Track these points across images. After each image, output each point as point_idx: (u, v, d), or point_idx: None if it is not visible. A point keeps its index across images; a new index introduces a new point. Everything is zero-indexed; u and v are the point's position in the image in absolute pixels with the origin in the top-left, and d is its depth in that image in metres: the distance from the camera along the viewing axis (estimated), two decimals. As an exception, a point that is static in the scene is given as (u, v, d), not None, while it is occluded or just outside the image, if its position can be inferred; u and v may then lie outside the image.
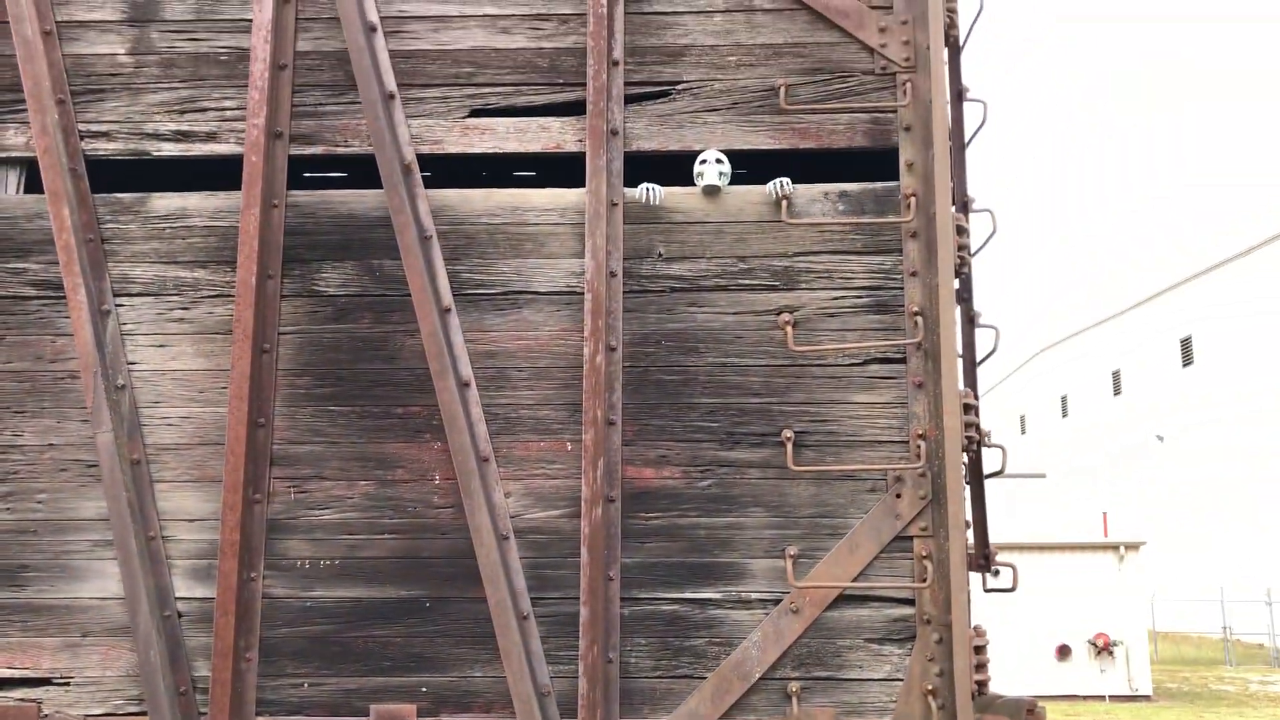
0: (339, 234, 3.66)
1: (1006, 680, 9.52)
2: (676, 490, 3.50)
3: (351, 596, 3.47)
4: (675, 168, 3.73)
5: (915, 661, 3.40)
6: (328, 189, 3.72)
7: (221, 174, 3.71)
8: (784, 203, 3.58)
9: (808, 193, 3.63)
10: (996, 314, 4.91)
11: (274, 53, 3.67)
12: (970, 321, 4.05)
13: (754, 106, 3.70)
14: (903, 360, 3.54)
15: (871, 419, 3.52)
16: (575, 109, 3.69)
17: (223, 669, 3.35)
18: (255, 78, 3.65)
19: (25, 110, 3.68)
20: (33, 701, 3.44)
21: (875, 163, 3.70)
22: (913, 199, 3.56)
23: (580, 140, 3.67)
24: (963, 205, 3.93)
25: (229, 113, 3.72)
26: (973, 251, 3.84)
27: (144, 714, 3.39)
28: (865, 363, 3.55)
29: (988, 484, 4.01)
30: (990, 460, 3.81)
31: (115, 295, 3.61)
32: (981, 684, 3.44)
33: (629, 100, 3.69)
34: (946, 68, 3.75)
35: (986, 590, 4.04)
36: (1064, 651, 13.62)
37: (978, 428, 3.57)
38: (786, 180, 3.60)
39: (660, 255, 3.62)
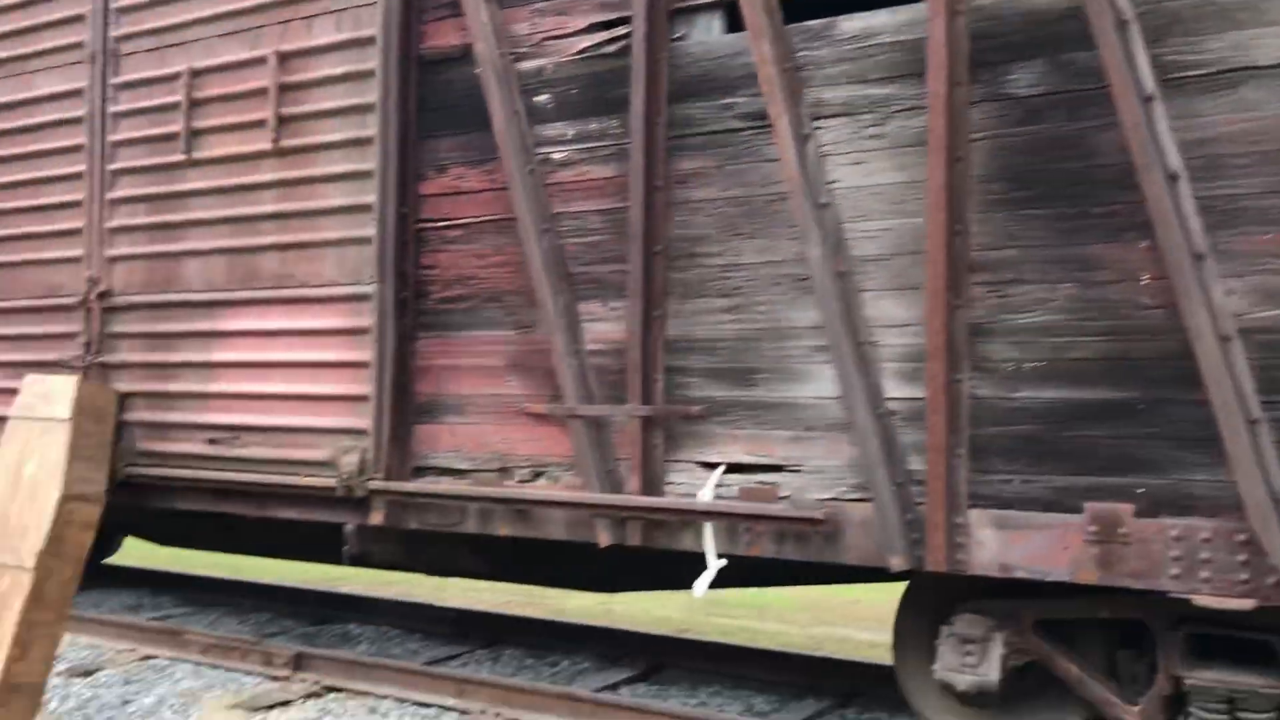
0: (1025, 33, 3.56)
1: None
2: None
3: (1058, 398, 3.50)
4: None
5: None
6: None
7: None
8: None
9: None
10: None
11: None
12: None
13: None
14: None
15: None
16: None
17: (937, 463, 3.60)
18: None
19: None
20: (770, 484, 3.97)
21: None
22: None
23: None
24: None
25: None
26: None
27: (866, 499, 3.76)
28: None
29: None
30: None
31: (813, 119, 3.88)
32: None
33: None
34: None
35: None
36: None
37: None
38: None
39: None
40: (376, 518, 4.69)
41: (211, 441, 5.10)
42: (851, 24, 3.83)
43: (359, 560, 5.02)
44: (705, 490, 4.02)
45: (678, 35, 4.16)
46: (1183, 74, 3.34)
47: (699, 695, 5.42)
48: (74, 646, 5.92)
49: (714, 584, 3.93)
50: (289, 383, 4.91)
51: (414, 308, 4.69)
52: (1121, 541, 3.35)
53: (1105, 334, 3.44)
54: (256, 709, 5.06)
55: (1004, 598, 3.76)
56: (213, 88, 5.21)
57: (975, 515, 3.56)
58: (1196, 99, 3.33)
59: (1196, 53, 3.32)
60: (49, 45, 5.80)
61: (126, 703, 5.22)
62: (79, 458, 4.93)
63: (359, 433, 4.71)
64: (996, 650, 3.71)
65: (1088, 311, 3.46)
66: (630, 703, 4.73)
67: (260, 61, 5.02)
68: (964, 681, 3.73)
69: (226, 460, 5.10)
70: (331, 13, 4.86)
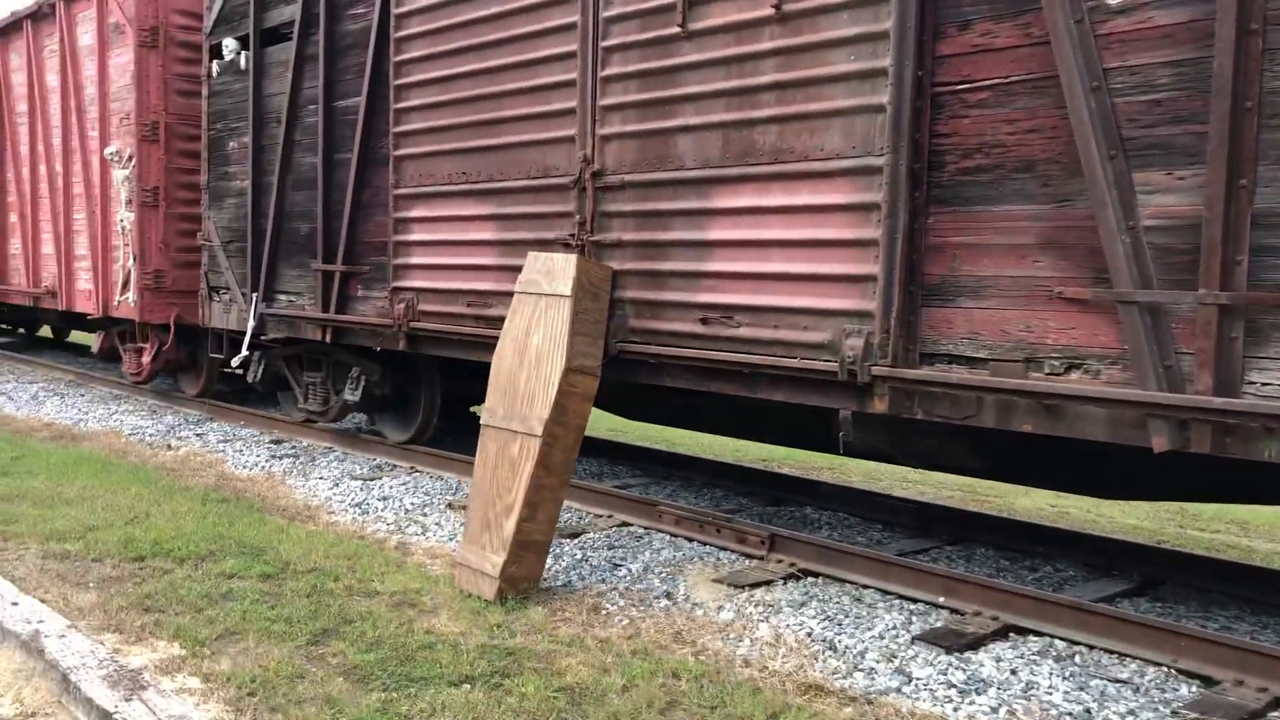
0: None
1: None
2: None
3: None
4: None
5: None
6: None
7: None
8: None
9: None
10: None
11: None
12: None
13: None
14: None
15: None
16: None
17: None
18: None
19: None
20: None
21: None
22: None
23: None
24: None
25: None
26: None
27: None
28: None
29: None
30: None
31: None
32: None
33: None
34: None
35: None
36: None
37: None
38: None
39: None
40: (879, 405, 4.45)
41: (703, 321, 5.08)
42: None
43: (851, 448, 4.84)
44: (1299, 393, 3.39)
45: None
46: None
47: (1216, 619, 4.82)
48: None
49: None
50: (787, 262, 4.74)
51: (927, 180, 4.32)
52: None
53: None
54: (739, 586, 5.09)
55: None
56: (708, -46, 5.04)
57: None
58: None
59: None
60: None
61: (616, 566, 5.45)
62: (579, 333, 5.10)
63: (863, 315, 4.46)
64: None
65: None
66: (1160, 623, 4.24)
67: (760, -78, 4.77)
68: None
69: (718, 340, 5.07)
70: None
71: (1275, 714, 3.73)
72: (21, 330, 16.85)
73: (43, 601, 4.44)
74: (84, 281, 11.09)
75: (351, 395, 7.87)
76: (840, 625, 4.60)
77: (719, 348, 5.06)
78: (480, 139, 6.29)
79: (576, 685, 3.82)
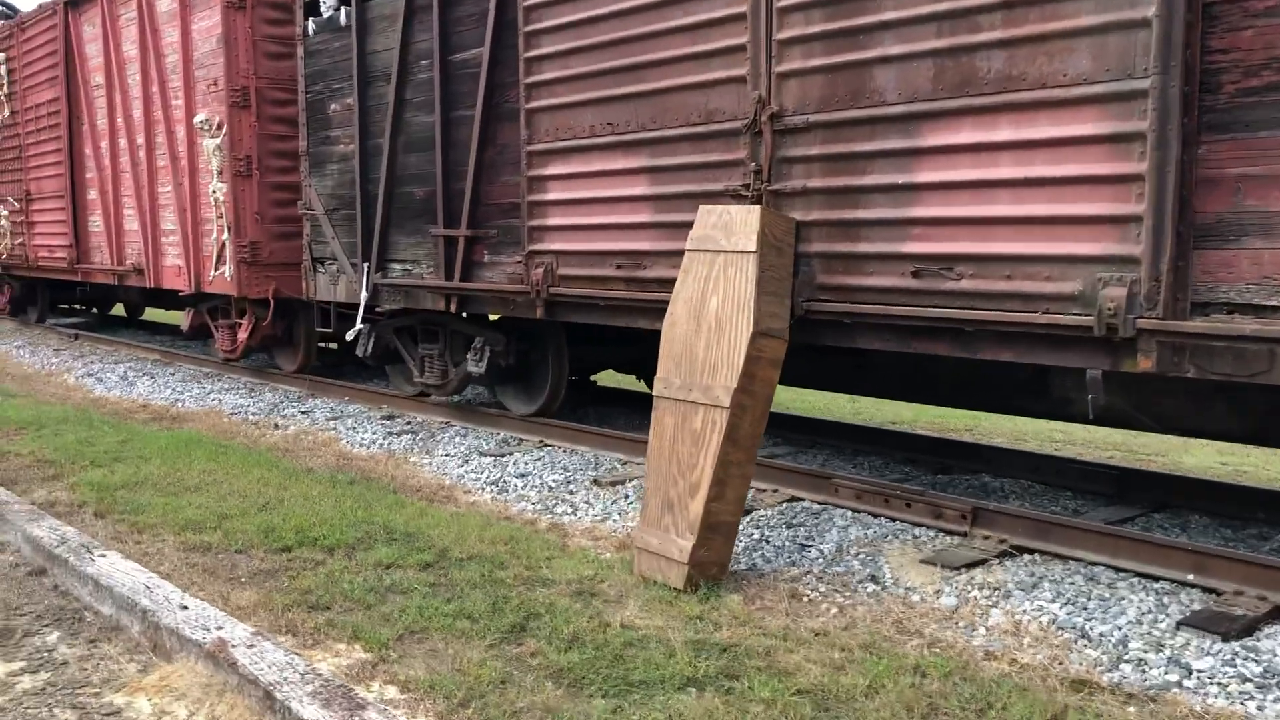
0: None
1: None
2: None
3: None
4: None
5: None
6: None
7: None
8: None
9: None
10: None
11: None
12: None
13: None
14: None
15: None
16: None
17: None
18: None
19: None
20: None
21: None
22: None
23: None
24: None
25: None
26: None
27: None
28: None
29: None
30: None
31: None
32: None
33: None
34: None
35: None
36: None
37: None
38: None
39: None
40: (1144, 363, 3.91)
41: (915, 274, 4.56)
42: None
43: (1101, 414, 4.31)
44: None
45: None
46: None
47: None
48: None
49: None
50: (1019, 204, 4.20)
51: (1198, 104, 3.76)
52: None
53: None
54: (953, 567, 4.60)
55: None
56: None
57: None
58: None
59: None
60: None
61: (804, 547, 4.99)
62: (765, 292, 4.61)
63: (1125, 261, 3.91)
64: None
65: None
66: None
67: None
68: None
69: (930, 295, 4.54)
70: None
71: None
72: (94, 310, 16.63)
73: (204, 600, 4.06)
74: (172, 257, 10.73)
75: (475, 367, 7.42)
76: (1086, 610, 4.12)
77: (933, 303, 4.54)
78: (628, 85, 5.77)
79: (815, 688, 3.38)
